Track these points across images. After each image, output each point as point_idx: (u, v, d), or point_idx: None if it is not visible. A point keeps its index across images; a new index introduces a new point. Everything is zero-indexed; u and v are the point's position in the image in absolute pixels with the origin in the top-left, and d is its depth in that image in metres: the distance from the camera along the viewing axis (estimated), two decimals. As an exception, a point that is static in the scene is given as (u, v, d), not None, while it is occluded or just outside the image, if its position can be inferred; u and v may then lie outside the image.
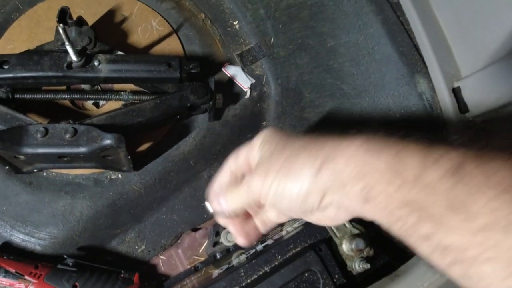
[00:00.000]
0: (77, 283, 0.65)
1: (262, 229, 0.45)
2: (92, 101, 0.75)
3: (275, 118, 0.80)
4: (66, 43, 0.62)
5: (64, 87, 0.72)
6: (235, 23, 0.81)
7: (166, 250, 0.74)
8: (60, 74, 0.64)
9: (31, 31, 0.74)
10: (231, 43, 0.81)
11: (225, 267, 0.63)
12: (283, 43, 0.76)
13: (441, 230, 0.27)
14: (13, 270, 0.63)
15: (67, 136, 0.62)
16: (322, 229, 0.61)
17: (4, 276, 0.62)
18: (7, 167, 0.64)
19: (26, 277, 0.63)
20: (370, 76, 0.65)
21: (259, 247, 0.67)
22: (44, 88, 0.70)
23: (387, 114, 0.64)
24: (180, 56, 0.78)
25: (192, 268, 0.71)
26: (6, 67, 0.62)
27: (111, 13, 0.78)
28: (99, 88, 0.76)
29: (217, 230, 0.72)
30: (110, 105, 0.74)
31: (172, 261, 0.73)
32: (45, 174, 0.70)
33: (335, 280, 0.56)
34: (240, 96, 0.78)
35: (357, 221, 0.62)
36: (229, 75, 0.78)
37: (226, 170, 0.45)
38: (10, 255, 0.64)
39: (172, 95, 0.71)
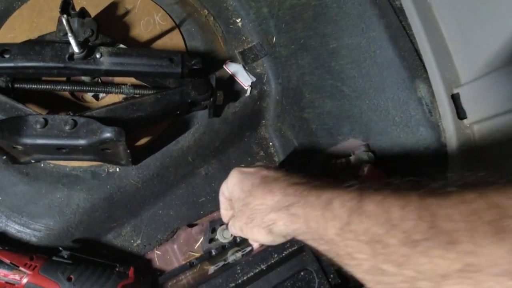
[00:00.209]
0: (72, 276, 0.64)
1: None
2: (92, 94, 0.74)
3: (275, 117, 0.80)
4: (69, 34, 0.61)
5: (64, 78, 0.72)
6: (238, 20, 0.81)
7: (162, 245, 0.73)
8: (61, 65, 0.64)
9: (33, 20, 0.73)
10: (233, 41, 0.80)
11: (221, 263, 0.63)
12: (285, 43, 0.76)
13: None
14: (8, 261, 0.62)
15: (67, 128, 0.62)
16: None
17: (-1, 267, 0.62)
18: (4, 157, 0.63)
19: (21, 268, 0.62)
20: (370, 79, 0.65)
21: (255, 245, 0.67)
22: (44, 78, 0.70)
23: (386, 118, 0.64)
24: (182, 51, 0.77)
25: (188, 263, 0.71)
26: (7, 56, 0.61)
27: (114, 6, 0.77)
28: (99, 80, 0.75)
29: (214, 226, 0.72)
30: (110, 98, 0.74)
31: (168, 256, 0.73)
32: (42, 165, 0.69)
33: (330, 279, 0.56)
34: (241, 94, 0.78)
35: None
36: (230, 73, 0.78)
37: (222, 201, 0.59)
38: (5, 245, 0.63)
39: (173, 90, 0.70)
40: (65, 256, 0.66)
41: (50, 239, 0.67)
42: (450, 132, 0.61)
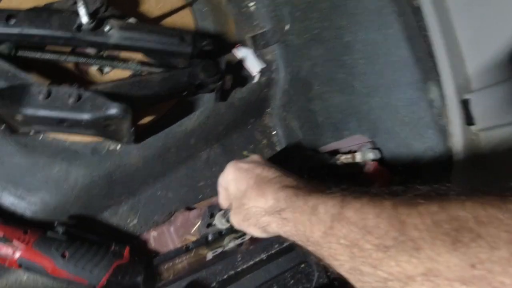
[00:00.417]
0: (66, 252, 0.62)
1: None
2: (96, 67, 0.70)
3: (281, 106, 0.79)
4: (79, 3, 0.58)
5: (69, 49, 0.68)
6: (252, 4, 0.78)
7: (158, 226, 0.72)
8: (68, 35, 0.60)
9: (39, -15, 0.69)
10: (245, 25, 0.78)
11: (219, 250, 0.62)
12: (298, 32, 0.74)
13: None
14: (1, 234, 0.60)
15: (71, 101, 0.59)
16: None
17: (-10, 240, 0.59)
18: (2, 126, 0.60)
19: (14, 242, 0.60)
20: (383, 77, 0.64)
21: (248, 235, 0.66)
22: (48, 48, 0.66)
23: (395, 117, 0.63)
24: (193, 31, 0.74)
25: (184, 247, 0.70)
26: (12, 22, 0.57)
27: (124, -23, 0.74)
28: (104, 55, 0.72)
29: (212, 212, 0.70)
30: (115, 74, 0.71)
31: (164, 238, 0.72)
32: (41, 137, 0.66)
33: (329, 273, 0.56)
34: (248, 80, 0.76)
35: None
36: (239, 57, 0.76)
37: (220, 191, 0.61)
38: (-2, 218, 0.61)
39: (182, 70, 0.68)
40: (60, 232, 0.64)
41: (46, 213, 0.64)
42: (457, 137, 0.61)
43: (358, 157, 0.64)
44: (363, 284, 0.35)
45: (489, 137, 0.60)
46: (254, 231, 0.52)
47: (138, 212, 0.71)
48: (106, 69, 0.71)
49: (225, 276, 0.55)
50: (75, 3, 0.59)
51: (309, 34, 0.72)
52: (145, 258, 0.69)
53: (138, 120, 0.69)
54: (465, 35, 0.63)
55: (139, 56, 0.70)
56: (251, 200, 0.51)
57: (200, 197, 0.74)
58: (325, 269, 0.55)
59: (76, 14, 0.60)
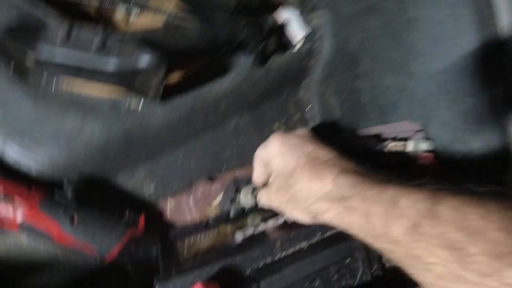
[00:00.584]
0: (75, 216, 0.55)
1: None
2: (124, 10, 0.60)
3: (320, 79, 0.70)
4: None
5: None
6: (303, -41, 0.68)
7: (177, 196, 0.65)
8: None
9: None
10: (293, -18, 0.68)
11: (248, 231, 0.56)
12: (353, -2, 0.65)
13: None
14: (1, 190, 0.51)
15: (94, 45, 0.49)
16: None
17: (-11, 196, 0.50)
18: (12, 68, 0.50)
19: (16, 201, 0.52)
20: (447, 62, 0.57)
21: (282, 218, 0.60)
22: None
23: (455, 108, 0.56)
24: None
25: (204, 223, 0.63)
26: None
27: None
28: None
29: (238, 186, 0.64)
30: (143, 22, 0.60)
31: (181, 208, 0.65)
32: (54, 85, 0.56)
33: (372, 271, 0.51)
34: (290, 46, 0.67)
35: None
36: (283, 19, 0.66)
37: (257, 167, 0.55)
38: (-1, 172, 0.52)
39: (222, 25, 0.58)
40: (69, 193, 0.56)
41: (54, 170, 0.56)
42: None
43: (411, 146, 0.58)
44: None
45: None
46: (300, 216, 0.46)
47: (156, 178, 0.63)
48: (134, 13, 0.60)
49: (261, 264, 0.49)
50: None
51: (365, 2, 0.63)
52: (160, 229, 0.63)
53: (166, 76, 0.60)
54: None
55: (173, 3, 0.60)
56: (302, 182, 0.44)
57: (224, 168, 0.67)
58: (370, 266, 0.50)
59: None
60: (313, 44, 0.68)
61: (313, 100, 0.72)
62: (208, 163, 0.66)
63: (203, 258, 0.49)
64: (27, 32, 0.48)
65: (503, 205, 0.30)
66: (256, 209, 0.65)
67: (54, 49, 0.48)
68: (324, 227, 0.52)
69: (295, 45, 0.67)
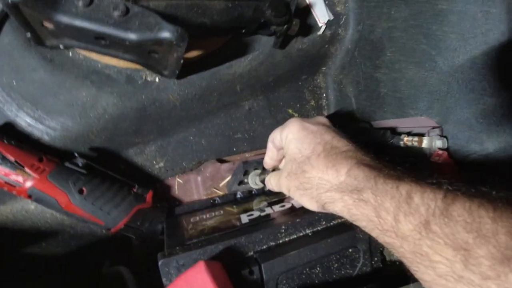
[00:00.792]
0: (84, 188, 0.54)
1: None
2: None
3: (339, 67, 0.68)
4: None
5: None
6: None
7: (185, 173, 0.64)
8: None
9: None
10: (320, -36, 0.65)
11: (255, 214, 0.55)
12: (381, -15, 0.62)
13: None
14: (12, 158, 0.50)
15: (116, 13, 0.47)
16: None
17: (0, 164, 0.49)
18: (28, 34, 0.48)
19: (26, 170, 0.50)
20: (474, 59, 0.55)
21: (288, 204, 0.60)
22: None
23: (476, 106, 0.54)
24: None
25: (210, 201, 0.62)
26: None
27: None
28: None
29: (247, 169, 0.63)
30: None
31: (189, 186, 0.64)
32: (71, 53, 0.54)
33: (373, 262, 0.51)
34: (312, 31, 0.65)
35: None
36: (307, 2, 0.64)
37: (270, 148, 0.54)
38: (11, 140, 0.50)
39: (247, 2, 0.56)
40: (80, 164, 0.55)
41: (65, 141, 0.55)
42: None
43: (425, 142, 0.56)
44: None
45: None
46: (308, 203, 0.45)
47: (166, 155, 0.62)
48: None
49: (264, 247, 0.49)
50: None
51: (394, -9, 0.61)
52: (167, 205, 0.62)
53: (186, 52, 0.58)
54: None
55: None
56: (316, 170, 0.44)
57: (234, 149, 0.66)
58: (371, 258, 0.50)
59: None
60: (336, 30, 0.65)
61: (329, 88, 0.70)
62: (219, 144, 0.65)
63: (207, 237, 0.48)
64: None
65: None
66: (263, 192, 0.64)
67: (75, 14, 0.46)
68: (329, 216, 0.51)
69: (317, 30, 0.65)
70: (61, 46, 0.52)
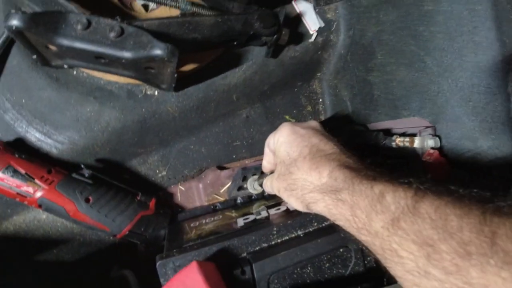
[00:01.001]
0: (90, 197, 0.58)
1: None
2: (142, 2, 0.62)
3: (333, 72, 0.70)
4: None
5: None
6: (320, -49, 0.67)
7: (187, 181, 0.67)
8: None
9: None
10: (309, -26, 0.68)
11: (251, 217, 0.57)
12: (369, -10, 0.64)
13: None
14: (23, 171, 0.54)
15: (112, 35, 0.51)
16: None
17: (12, 176, 0.53)
18: (34, 56, 0.53)
19: (37, 181, 0.55)
20: (461, 57, 0.56)
21: (283, 207, 0.61)
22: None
23: (467, 105, 0.55)
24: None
25: (211, 206, 0.65)
26: None
27: None
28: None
29: (246, 174, 0.65)
30: (160, 11, 0.62)
31: (191, 194, 0.67)
32: (75, 72, 0.59)
33: (366, 262, 0.52)
34: (304, 38, 0.67)
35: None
36: (298, 11, 0.66)
37: (267, 152, 0.56)
38: (22, 154, 0.55)
39: (236, 16, 0.59)
40: (86, 175, 0.59)
41: (72, 154, 0.59)
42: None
43: (417, 142, 0.57)
44: None
45: None
46: (295, 204, 0.47)
47: (168, 164, 0.65)
48: (152, 6, 0.62)
49: (257, 248, 0.50)
50: None
51: (382, -5, 0.62)
52: (169, 211, 0.65)
53: (181, 66, 0.62)
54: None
55: (189, -6, 0.61)
56: (301, 171, 0.46)
57: (234, 157, 0.68)
58: (363, 257, 0.50)
59: None
60: (328, 36, 0.67)
61: (325, 93, 0.72)
62: (219, 151, 0.67)
63: (203, 240, 0.51)
64: (49, 20, 0.50)
65: (485, 209, 0.30)
66: (263, 197, 0.66)
67: (75, 37, 0.51)
68: (320, 218, 0.53)
69: (309, 37, 0.67)
70: (66, 66, 0.57)
